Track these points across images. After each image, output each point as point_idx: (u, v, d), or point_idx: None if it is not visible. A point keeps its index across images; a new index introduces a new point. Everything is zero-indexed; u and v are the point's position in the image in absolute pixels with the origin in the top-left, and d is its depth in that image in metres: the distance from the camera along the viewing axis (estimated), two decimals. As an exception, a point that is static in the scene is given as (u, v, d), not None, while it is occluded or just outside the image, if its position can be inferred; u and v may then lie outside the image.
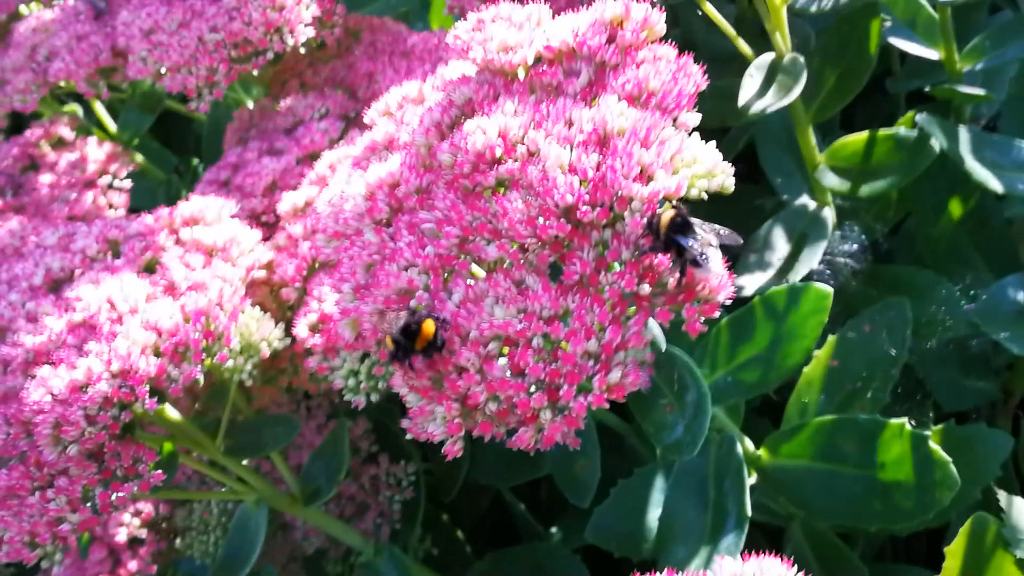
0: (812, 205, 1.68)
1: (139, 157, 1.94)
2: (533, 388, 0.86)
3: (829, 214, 1.66)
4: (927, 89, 1.75)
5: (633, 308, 0.88)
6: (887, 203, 1.75)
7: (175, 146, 2.34)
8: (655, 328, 0.92)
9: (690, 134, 0.93)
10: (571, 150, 0.89)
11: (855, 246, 1.66)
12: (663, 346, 0.93)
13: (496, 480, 1.74)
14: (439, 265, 0.93)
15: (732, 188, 0.91)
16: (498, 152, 0.92)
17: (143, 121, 1.92)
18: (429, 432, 0.92)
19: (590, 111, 0.92)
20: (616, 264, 0.88)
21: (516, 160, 0.91)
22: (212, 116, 1.94)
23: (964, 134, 1.54)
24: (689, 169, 0.89)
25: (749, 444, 1.43)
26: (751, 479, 1.47)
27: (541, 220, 0.88)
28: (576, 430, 1.09)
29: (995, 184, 1.48)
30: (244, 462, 1.43)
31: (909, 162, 1.48)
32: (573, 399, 0.86)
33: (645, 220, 0.86)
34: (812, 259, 1.60)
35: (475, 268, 0.94)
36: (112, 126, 1.92)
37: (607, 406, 0.85)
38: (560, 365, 0.86)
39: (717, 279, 0.88)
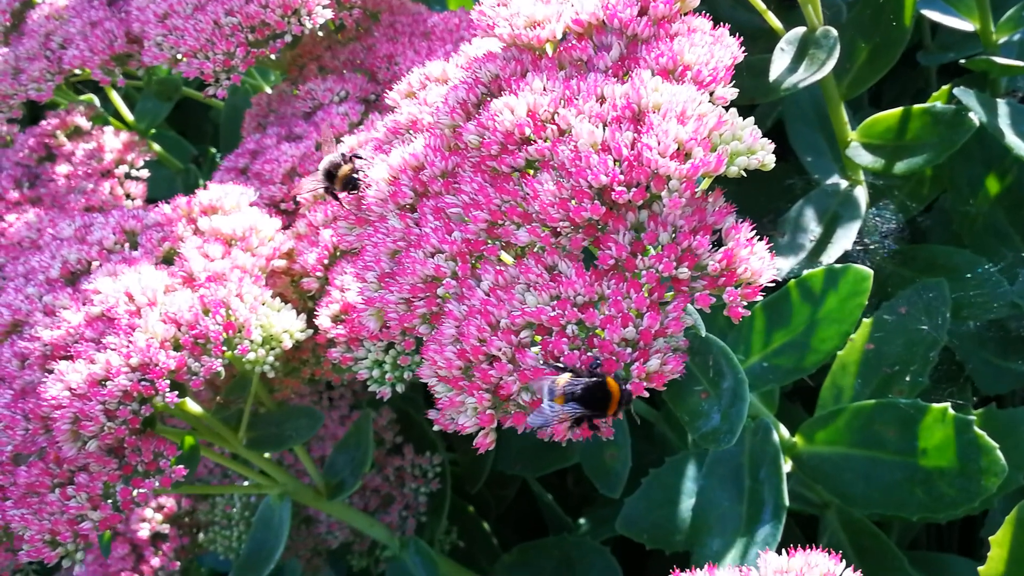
0: (844, 184, 1.63)
1: (156, 146, 1.91)
2: (568, 378, 0.82)
3: (862, 193, 1.61)
4: (961, 62, 1.69)
5: (671, 293, 0.84)
6: (921, 181, 1.70)
7: (193, 135, 2.31)
8: (694, 314, 0.88)
9: (727, 109, 0.88)
10: (604, 128, 0.85)
11: (890, 226, 1.61)
12: (703, 332, 0.89)
13: (523, 470, 1.70)
14: (467, 251, 0.89)
15: (772, 164, 0.87)
16: (527, 131, 0.88)
17: (160, 110, 1.89)
18: (459, 424, 0.88)
19: (623, 87, 0.88)
20: (653, 247, 0.84)
21: (546, 140, 0.87)
22: (230, 103, 1.91)
23: (1003, 108, 1.49)
24: (728, 145, 0.84)
25: (784, 431, 1.39)
26: (786, 466, 1.43)
27: (574, 202, 0.84)
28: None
29: (1038, 159, 1.43)
30: (267, 455, 1.41)
31: (947, 137, 1.43)
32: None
33: None
34: (846, 240, 1.55)
35: (504, 255, 0.91)
36: (129, 115, 1.89)
37: (646, 395, 0.81)
38: (596, 353, 0.82)
39: (759, 261, 0.84)
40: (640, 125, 0.85)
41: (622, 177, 0.83)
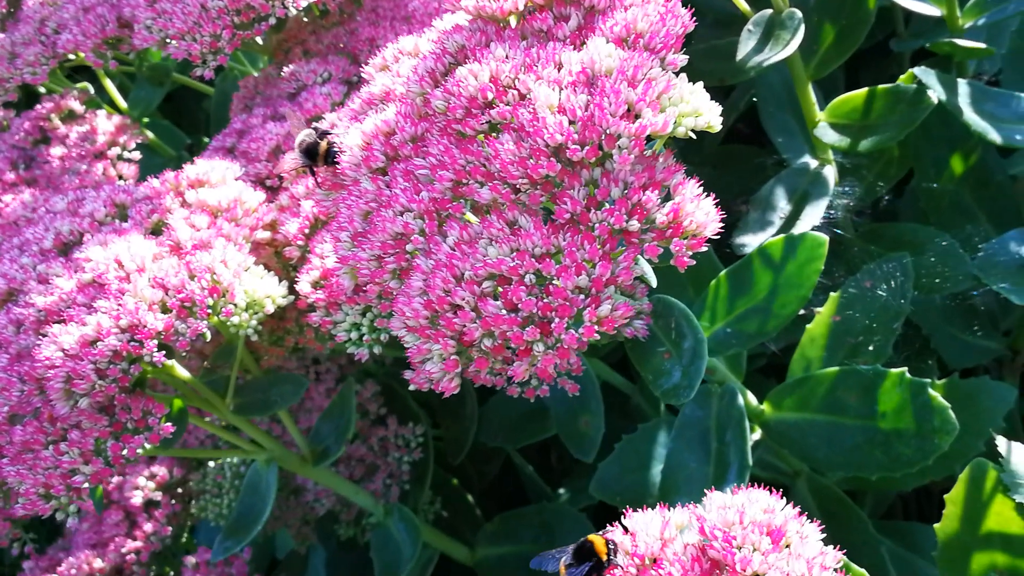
0: (813, 164, 1.69)
1: (150, 134, 1.97)
2: (526, 323, 0.88)
3: (831, 172, 1.67)
4: (927, 46, 1.75)
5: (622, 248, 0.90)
6: (889, 161, 1.75)
7: (186, 126, 2.37)
8: (645, 266, 0.93)
9: (677, 75, 0.94)
10: (560, 91, 0.91)
11: (856, 203, 1.67)
12: (653, 282, 0.95)
13: (504, 441, 1.76)
14: (434, 209, 0.95)
15: (719, 127, 0.92)
16: (490, 96, 0.94)
17: (153, 97, 1.95)
18: (427, 371, 0.93)
19: (579, 54, 0.93)
20: (606, 202, 0.89)
21: (508, 103, 0.93)
22: (219, 89, 1.97)
23: (963, 87, 1.55)
24: (676, 108, 0.90)
25: (752, 399, 1.44)
26: (755, 435, 1.49)
27: (532, 160, 0.90)
28: (576, 376, 1.12)
29: (994, 135, 1.49)
30: (255, 424, 1.46)
31: (908, 115, 1.49)
32: (564, 332, 0.87)
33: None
34: (813, 217, 1.61)
35: (469, 215, 0.96)
36: (123, 104, 1.95)
37: (597, 337, 0.87)
38: (552, 300, 0.88)
39: (704, 215, 0.89)
40: (594, 89, 0.91)
41: (576, 136, 0.89)
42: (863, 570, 0.99)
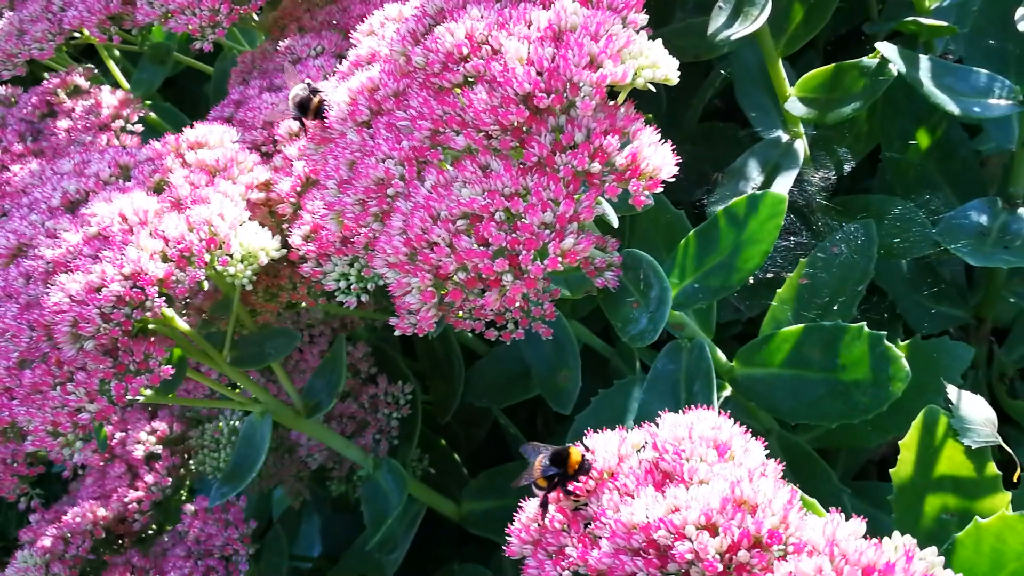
0: (785, 137, 1.77)
1: (152, 115, 2.06)
2: (496, 256, 0.96)
3: (801, 145, 1.75)
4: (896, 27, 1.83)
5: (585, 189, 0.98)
6: (858, 135, 1.84)
7: (188, 109, 2.45)
8: (607, 206, 1.01)
9: (638, 32, 1.02)
10: (529, 45, 0.99)
11: (826, 174, 1.75)
12: (615, 222, 1.03)
13: (489, 401, 1.84)
14: (413, 156, 1.03)
15: (676, 80, 1.01)
16: (465, 51, 1.02)
17: (155, 77, 2.03)
18: (406, 303, 1.01)
19: (547, 12, 1.02)
20: (570, 146, 0.98)
21: (482, 58, 1.01)
22: (219, 69, 2.05)
23: (925, 62, 1.62)
24: (635, 60, 0.98)
25: (723, 356, 1.52)
26: (727, 392, 1.57)
27: (503, 108, 0.98)
28: (551, 325, 1.20)
29: (952, 107, 1.56)
30: (252, 378, 1.54)
31: (870, 87, 1.57)
32: (531, 263, 0.96)
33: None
34: (783, 186, 1.70)
35: (446, 166, 1.05)
36: (127, 85, 2.03)
37: (560, 268, 0.95)
38: (520, 234, 0.96)
39: (661, 158, 0.98)
40: (560, 43, 0.99)
41: (543, 85, 0.97)
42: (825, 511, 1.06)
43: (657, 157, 0.97)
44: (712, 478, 0.89)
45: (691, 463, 0.91)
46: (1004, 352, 1.91)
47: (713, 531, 0.83)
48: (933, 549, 0.86)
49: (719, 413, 1.01)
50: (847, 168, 1.74)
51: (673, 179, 1.03)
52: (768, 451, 1.70)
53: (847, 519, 1.59)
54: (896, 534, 0.87)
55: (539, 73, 0.97)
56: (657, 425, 0.98)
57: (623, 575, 0.85)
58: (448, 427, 1.97)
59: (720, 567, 0.81)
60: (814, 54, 2.18)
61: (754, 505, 0.85)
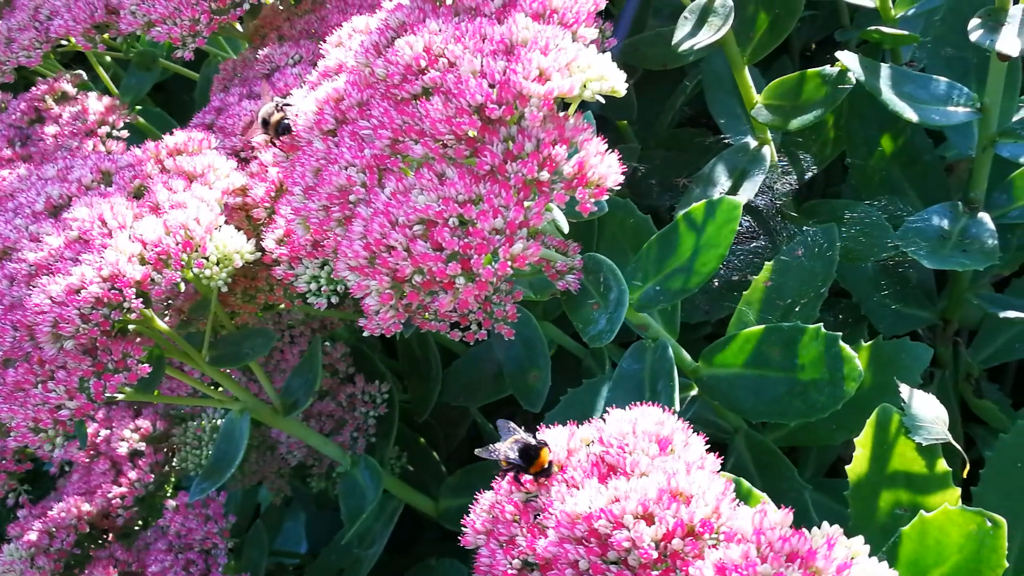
0: (753, 143, 1.82)
1: (141, 120, 2.11)
2: (449, 260, 1.01)
3: (768, 151, 1.80)
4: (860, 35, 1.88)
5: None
6: (825, 142, 1.89)
7: (177, 115, 2.51)
8: (558, 213, 1.06)
9: (587, 46, 1.07)
10: (482, 58, 1.04)
11: (792, 179, 1.80)
12: (565, 228, 1.08)
13: (465, 400, 1.89)
14: (374, 164, 1.08)
15: (623, 92, 1.05)
16: (423, 63, 1.07)
17: (143, 83, 2.08)
18: (367, 305, 1.06)
19: (501, 27, 1.07)
20: (520, 155, 1.02)
21: (438, 70, 1.06)
22: (203, 76, 2.10)
23: (885, 70, 1.67)
24: (583, 74, 1.03)
25: (688, 357, 1.57)
26: (693, 391, 1.62)
27: (457, 118, 1.03)
28: (521, 329, 1.25)
29: (911, 114, 1.61)
30: (233, 377, 1.59)
31: (831, 95, 1.62)
32: (482, 267, 1.00)
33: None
34: (750, 191, 1.74)
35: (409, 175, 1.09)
36: (116, 91, 2.08)
37: (511, 272, 1.00)
38: (472, 239, 1.01)
39: (607, 167, 1.02)
40: (512, 56, 1.04)
41: (495, 97, 1.02)
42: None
43: (603, 166, 1.02)
44: (652, 471, 0.94)
45: (633, 456, 0.96)
46: (971, 353, 1.96)
47: (650, 520, 0.88)
48: (860, 538, 0.91)
49: (680, 411, 1.06)
50: (808, 174, 1.79)
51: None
52: (736, 450, 1.76)
53: (806, 514, 1.65)
54: (825, 524, 0.91)
55: (491, 85, 1.02)
56: (603, 420, 1.03)
57: (567, 563, 0.90)
58: (428, 426, 2.02)
59: (655, 555, 0.86)
60: (788, 61, 2.23)
61: (689, 496, 0.89)
